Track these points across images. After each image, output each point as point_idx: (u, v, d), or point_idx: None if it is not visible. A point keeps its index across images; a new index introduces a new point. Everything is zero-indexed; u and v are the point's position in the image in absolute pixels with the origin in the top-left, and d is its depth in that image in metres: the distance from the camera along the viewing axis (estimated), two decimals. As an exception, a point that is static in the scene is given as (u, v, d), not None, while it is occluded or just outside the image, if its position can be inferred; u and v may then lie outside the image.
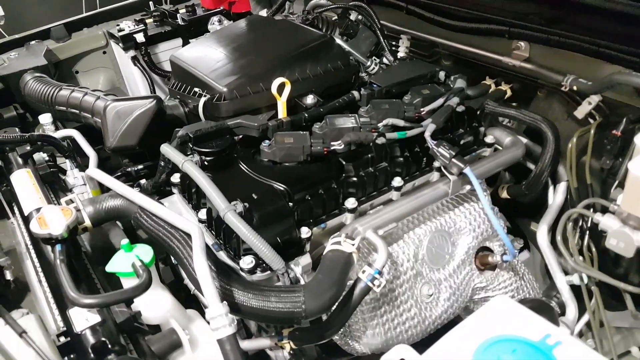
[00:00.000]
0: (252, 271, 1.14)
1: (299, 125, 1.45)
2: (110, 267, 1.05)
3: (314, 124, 1.44)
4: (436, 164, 1.49)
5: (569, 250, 1.37)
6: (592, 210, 1.32)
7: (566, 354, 0.69)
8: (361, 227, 1.27)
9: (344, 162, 1.36)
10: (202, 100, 1.49)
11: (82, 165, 1.67)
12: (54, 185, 1.59)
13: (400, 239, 1.41)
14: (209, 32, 2.17)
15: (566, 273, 1.53)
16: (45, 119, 1.74)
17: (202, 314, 1.25)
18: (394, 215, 1.35)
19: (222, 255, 1.21)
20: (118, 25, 2.29)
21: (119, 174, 1.69)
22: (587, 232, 1.39)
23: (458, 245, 1.52)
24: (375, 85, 1.62)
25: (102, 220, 1.29)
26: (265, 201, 1.20)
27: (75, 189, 1.63)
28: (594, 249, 1.40)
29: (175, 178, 1.42)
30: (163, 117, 1.49)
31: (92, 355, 0.89)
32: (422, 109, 1.52)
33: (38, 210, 1.29)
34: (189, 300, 1.39)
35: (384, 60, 1.87)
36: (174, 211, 1.19)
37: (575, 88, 1.42)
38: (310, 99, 1.54)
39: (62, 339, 0.96)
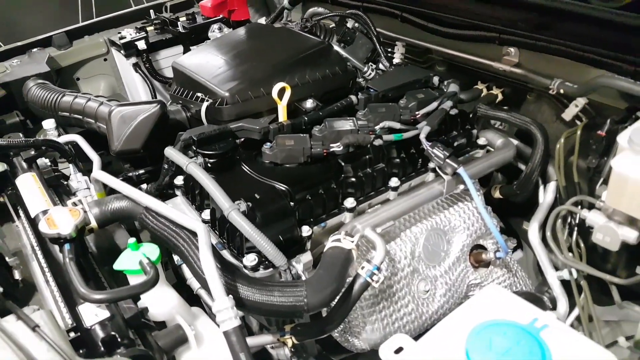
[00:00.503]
0: (255, 268, 1.19)
1: (299, 128, 1.50)
2: (118, 265, 1.09)
3: (313, 127, 1.49)
4: (431, 164, 1.54)
5: (558, 245, 1.42)
6: (579, 207, 1.37)
7: (552, 336, 0.74)
8: (360, 225, 1.32)
9: (342, 163, 1.41)
10: (205, 104, 1.54)
11: (84, 170, 1.71)
12: (58, 189, 1.63)
13: (398, 237, 1.46)
14: (210, 39, 2.22)
15: (557, 269, 1.59)
16: (49, 124, 1.78)
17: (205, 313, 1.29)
18: (392, 213, 1.40)
19: (226, 254, 1.25)
20: (119, 32, 2.34)
21: (120, 179, 1.73)
22: (576, 228, 1.44)
23: (453, 243, 1.57)
24: (372, 90, 1.67)
25: (108, 222, 1.33)
26: (268, 201, 1.25)
27: (78, 193, 1.67)
28: (582, 245, 1.46)
29: (179, 180, 1.47)
30: (166, 122, 1.54)
31: (102, 348, 0.92)
32: (417, 112, 1.58)
33: (45, 212, 1.33)
34: (192, 300, 1.43)
35: (380, 66, 1.92)
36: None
37: (562, 91, 1.48)
38: (309, 103, 1.60)
39: (72, 335, 1.00)
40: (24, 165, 1.59)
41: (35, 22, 4.90)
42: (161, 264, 1.18)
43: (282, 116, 1.53)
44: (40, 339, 0.85)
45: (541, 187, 1.69)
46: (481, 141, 1.70)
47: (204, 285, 1.10)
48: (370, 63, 1.91)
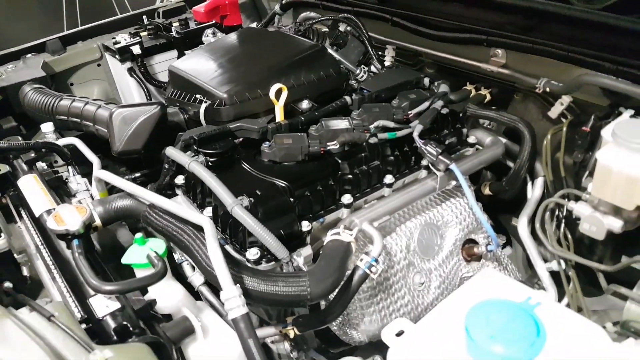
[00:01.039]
0: (257, 262, 1.23)
1: (296, 128, 1.54)
2: (125, 260, 1.12)
3: (310, 126, 1.54)
4: (424, 162, 1.60)
5: (547, 237, 1.48)
6: (566, 199, 1.43)
7: (546, 312, 0.79)
8: (358, 219, 1.37)
9: (339, 161, 1.46)
10: (204, 106, 1.58)
11: (82, 173, 1.74)
12: (58, 191, 1.65)
13: (393, 232, 1.51)
14: (204, 43, 2.26)
15: (545, 261, 1.65)
16: (47, 127, 1.80)
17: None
18: (387, 209, 1.45)
19: (229, 249, 1.29)
20: (114, 38, 2.37)
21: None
22: (563, 220, 1.50)
23: (446, 237, 1.62)
24: (365, 91, 1.73)
25: (112, 220, 1.36)
26: (269, 196, 1.29)
27: (78, 194, 1.69)
28: (569, 237, 1.52)
29: (179, 180, 1.50)
30: (165, 123, 1.57)
31: (115, 337, 0.96)
32: (409, 112, 1.63)
33: (49, 212, 1.36)
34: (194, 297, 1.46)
35: (372, 68, 1.98)
36: (181, 209, 1.27)
37: (548, 89, 1.54)
38: (305, 104, 1.64)
39: (84, 326, 1.03)
40: (24, 167, 1.61)
41: (20, 31, 4.90)
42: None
43: (279, 116, 1.57)
44: (56, 328, 0.88)
45: (529, 183, 1.76)
46: (471, 139, 1.76)
47: (211, 278, 1.14)
48: (362, 65, 1.97)
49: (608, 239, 1.34)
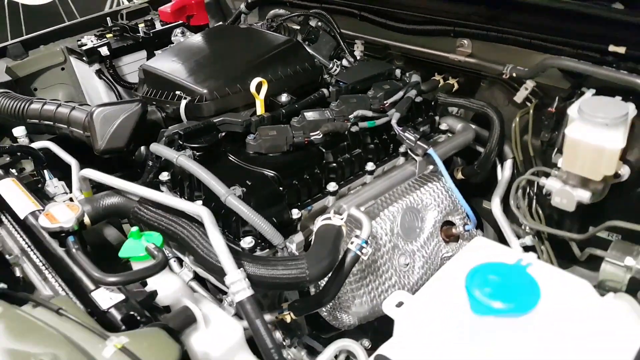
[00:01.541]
0: (252, 250, 1.25)
1: (277, 121, 1.58)
2: (123, 253, 1.13)
3: (291, 118, 1.58)
4: (401, 149, 1.66)
5: (521, 212, 1.57)
6: (537, 177, 1.53)
7: (537, 270, 0.86)
8: (345, 204, 1.42)
9: (323, 150, 1.50)
10: (184, 102, 1.59)
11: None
12: (37, 194, 1.62)
13: (377, 217, 1.56)
14: (173, 43, 2.25)
15: (518, 238, 1.74)
16: (19, 131, 1.76)
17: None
18: (372, 194, 1.51)
19: (222, 240, 1.31)
20: (79, 40, 2.32)
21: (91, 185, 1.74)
22: (535, 197, 1.60)
23: (426, 220, 1.69)
24: (341, 83, 1.78)
25: (100, 218, 1.36)
26: (259, 186, 1.32)
27: (56, 198, 1.67)
28: (540, 212, 1.62)
29: (164, 176, 1.50)
30: (145, 121, 1.57)
31: (123, 327, 0.96)
32: (385, 102, 1.70)
33: (34, 213, 1.34)
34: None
35: (344, 62, 2.03)
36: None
37: (514, 75, 1.64)
38: (284, 97, 1.68)
39: (89, 319, 1.02)
40: (0, 172, 1.58)
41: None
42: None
43: (260, 110, 1.60)
44: (65, 321, 0.88)
45: (499, 166, 1.86)
46: (443, 127, 1.84)
47: (209, 266, 1.16)
48: (334, 59, 2.03)
49: (575, 212, 1.44)
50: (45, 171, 1.70)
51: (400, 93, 1.73)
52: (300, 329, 1.52)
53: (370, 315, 1.56)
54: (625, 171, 1.38)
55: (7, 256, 1.19)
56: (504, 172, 1.83)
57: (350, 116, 1.60)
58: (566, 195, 1.38)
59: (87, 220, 1.31)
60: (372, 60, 2.08)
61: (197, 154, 1.42)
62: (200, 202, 1.37)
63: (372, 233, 1.52)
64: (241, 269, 1.05)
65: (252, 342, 1.13)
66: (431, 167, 1.68)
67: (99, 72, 2.26)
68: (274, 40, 1.83)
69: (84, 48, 2.21)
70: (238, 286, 1.02)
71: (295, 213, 1.37)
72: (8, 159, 1.64)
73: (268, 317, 1.37)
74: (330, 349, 1.35)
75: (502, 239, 1.86)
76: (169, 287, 1.17)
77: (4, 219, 1.47)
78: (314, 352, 1.52)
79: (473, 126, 1.89)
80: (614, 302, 0.86)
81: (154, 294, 1.08)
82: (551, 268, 0.88)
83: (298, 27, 2.24)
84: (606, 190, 1.42)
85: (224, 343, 1.17)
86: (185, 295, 1.19)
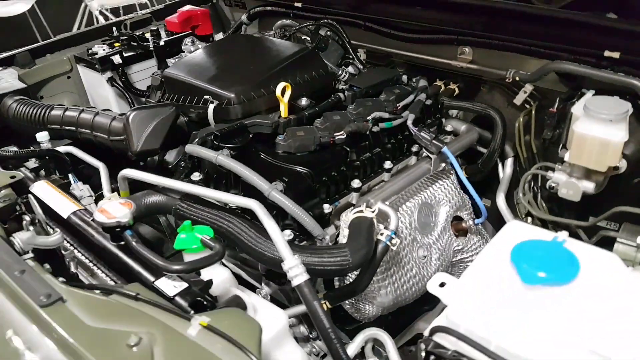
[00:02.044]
0: (292, 242, 1.34)
1: (301, 122, 1.67)
2: (178, 245, 1.19)
3: (313, 120, 1.67)
4: (414, 148, 1.78)
5: (529, 203, 1.70)
6: (541, 171, 1.66)
7: (572, 246, 0.98)
8: (373, 199, 1.52)
9: (348, 149, 1.60)
10: (212, 106, 1.66)
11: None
12: (66, 197, 1.66)
13: (397, 211, 1.66)
14: (183, 51, 2.33)
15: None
16: (42, 136, 1.80)
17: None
18: (394, 189, 1.61)
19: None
20: (90, 49, 2.37)
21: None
22: (539, 191, 1.74)
23: (439, 215, 1.81)
24: (355, 88, 1.89)
25: (142, 216, 1.41)
26: (296, 182, 1.41)
27: (82, 201, 1.71)
28: (544, 204, 1.76)
29: (195, 176, 1.57)
30: (176, 124, 1.64)
31: (192, 312, 1.03)
32: (397, 105, 1.81)
33: (75, 213, 1.39)
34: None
35: (350, 69, 2.14)
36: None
37: (517, 78, 1.78)
38: (304, 101, 1.77)
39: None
40: (30, 175, 1.61)
41: None
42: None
43: (285, 112, 1.69)
44: (143, 305, 0.94)
45: (499, 164, 2.00)
46: (448, 128, 1.96)
47: (259, 257, 1.23)
48: (343, 66, 2.13)
49: (574, 204, 1.58)
50: (70, 175, 1.75)
51: (411, 97, 1.85)
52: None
53: (393, 305, 1.65)
54: (623, 164, 1.52)
55: (63, 251, 1.23)
56: (505, 170, 1.97)
57: (368, 117, 1.71)
58: (572, 187, 1.52)
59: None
60: (380, 67, 2.20)
61: (233, 153, 1.49)
62: (236, 198, 1.45)
63: (396, 226, 1.63)
64: (296, 255, 1.13)
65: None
66: (443, 164, 1.80)
67: (111, 80, 2.30)
68: (292, 48, 1.92)
69: (97, 56, 2.25)
70: (295, 271, 1.10)
71: (327, 208, 1.47)
72: (36, 162, 1.67)
73: (303, 307, 1.45)
74: (359, 338, 1.44)
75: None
76: (219, 277, 1.23)
77: (40, 220, 1.51)
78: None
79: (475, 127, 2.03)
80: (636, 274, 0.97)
81: (209, 282, 1.15)
82: (582, 244, 0.99)
83: (304, 37, 2.34)
84: (606, 181, 1.56)
85: (272, 329, 1.24)
86: (234, 286, 1.26)
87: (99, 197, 1.72)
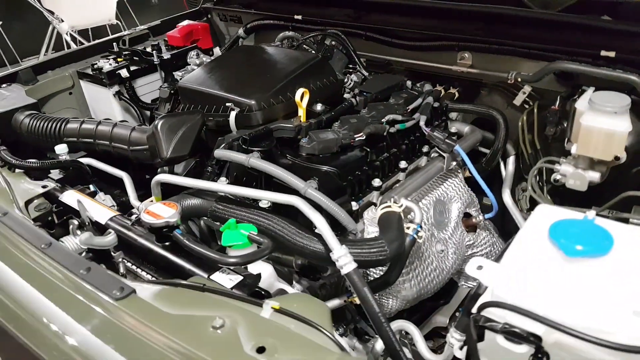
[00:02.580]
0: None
1: (320, 126, 1.74)
2: (226, 242, 1.23)
3: (331, 124, 1.75)
4: (424, 149, 1.87)
5: (541, 197, 1.80)
6: (548, 164, 1.77)
7: (603, 223, 1.07)
8: (396, 196, 1.59)
9: (368, 150, 1.68)
10: (233, 113, 1.72)
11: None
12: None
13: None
14: (189, 64, 2.38)
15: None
16: (61, 149, 1.81)
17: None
18: (413, 187, 1.69)
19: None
20: (94, 64, 2.39)
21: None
22: (545, 184, 1.84)
23: (451, 211, 1.89)
24: (365, 93, 1.97)
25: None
26: (326, 181, 1.47)
27: (107, 210, 1.73)
28: (549, 198, 1.87)
29: (222, 182, 1.62)
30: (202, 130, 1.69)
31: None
32: (407, 108, 1.90)
33: (112, 219, 1.41)
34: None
35: (353, 77, 2.23)
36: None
37: (519, 80, 1.89)
38: (319, 107, 1.84)
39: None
40: (56, 185, 1.63)
41: None
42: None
43: (304, 117, 1.76)
44: (211, 295, 0.99)
45: (501, 162, 2.10)
46: (453, 130, 2.06)
47: (301, 251, 1.29)
48: (347, 74, 2.22)
49: (575, 196, 1.69)
50: (91, 185, 1.77)
51: (419, 100, 1.94)
52: (358, 314, 1.65)
53: (416, 299, 1.72)
54: (623, 155, 1.64)
55: (112, 252, 1.26)
56: (508, 167, 2.08)
57: (383, 120, 1.79)
58: (579, 178, 1.62)
59: (167, 221, 1.40)
60: (384, 74, 2.29)
61: (261, 156, 1.55)
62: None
63: (415, 222, 1.71)
64: (343, 245, 1.19)
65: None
66: (454, 163, 1.89)
67: (118, 94, 2.33)
68: (304, 57, 2.00)
69: (104, 70, 2.28)
70: (344, 260, 1.16)
71: (354, 205, 1.53)
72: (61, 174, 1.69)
73: (337, 301, 1.51)
74: (388, 329, 1.50)
75: (505, 228, 2.10)
76: (264, 272, 1.28)
77: (87, 209, 1.51)
78: (363, 339, 1.66)
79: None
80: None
81: (259, 275, 1.20)
82: (609, 221, 1.09)
83: (307, 47, 2.42)
84: (607, 172, 1.68)
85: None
86: (277, 280, 1.31)
87: (122, 207, 1.75)
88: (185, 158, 1.61)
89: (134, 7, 6.45)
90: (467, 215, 1.98)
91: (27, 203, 1.49)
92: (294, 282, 1.60)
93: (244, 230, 1.26)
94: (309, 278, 1.50)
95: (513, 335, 0.91)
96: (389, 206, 1.48)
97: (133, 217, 1.53)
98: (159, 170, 1.75)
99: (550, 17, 1.75)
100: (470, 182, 2.11)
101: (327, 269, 1.51)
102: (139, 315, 0.89)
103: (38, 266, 1.13)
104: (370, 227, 1.62)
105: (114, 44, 2.62)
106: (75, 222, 1.31)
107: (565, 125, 1.78)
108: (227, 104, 1.73)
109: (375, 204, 1.67)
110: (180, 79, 2.25)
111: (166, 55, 2.40)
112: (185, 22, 2.73)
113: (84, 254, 1.23)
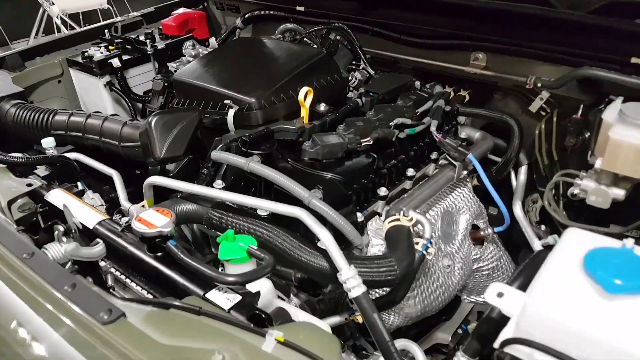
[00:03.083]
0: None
1: (324, 128, 1.62)
2: (223, 256, 1.11)
3: (335, 126, 1.62)
4: (432, 155, 1.75)
5: (557, 212, 1.70)
6: (568, 178, 1.66)
7: (640, 252, 0.96)
8: (404, 207, 1.47)
9: (374, 156, 1.56)
10: (232, 111, 1.59)
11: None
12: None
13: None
14: (184, 55, 2.24)
15: (540, 238, 1.87)
16: (48, 142, 1.68)
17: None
18: (422, 197, 1.57)
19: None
20: (85, 52, 2.25)
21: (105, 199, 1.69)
22: (561, 198, 1.74)
23: (459, 223, 1.78)
24: (371, 93, 1.85)
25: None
26: (331, 190, 1.35)
27: (94, 210, 1.61)
28: (564, 213, 1.76)
29: (218, 185, 1.49)
30: (198, 129, 1.56)
31: (252, 325, 0.95)
32: (416, 111, 1.79)
33: (101, 223, 1.29)
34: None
35: (357, 74, 2.11)
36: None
37: (539, 85, 1.78)
38: (322, 107, 1.72)
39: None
40: (42, 183, 1.50)
41: None
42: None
43: (306, 118, 1.64)
44: (208, 319, 0.87)
45: (512, 172, 1.99)
46: (462, 135, 1.95)
47: (303, 267, 1.17)
48: (352, 72, 2.10)
49: (594, 210, 1.58)
50: (79, 183, 1.64)
51: (430, 102, 1.82)
52: (358, 332, 1.54)
53: (419, 316, 1.62)
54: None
55: (100, 263, 1.13)
56: (519, 178, 1.97)
57: (390, 123, 1.67)
58: (602, 194, 1.52)
59: (156, 228, 1.27)
60: (391, 73, 2.17)
61: (262, 160, 1.43)
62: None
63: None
64: (351, 265, 1.07)
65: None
66: (465, 172, 1.78)
67: (109, 84, 2.19)
68: (307, 52, 1.87)
69: (95, 59, 2.14)
70: (353, 282, 1.04)
71: (359, 216, 1.42)
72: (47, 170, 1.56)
73: (338, 318, 1.40)
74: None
75: (512, 241, 2.00)
76: (262, 288, 1.16)
77: (61, 228, 1.39)
78: (362, 355, 1.55)
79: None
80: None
81: (258, 294, 1.08)
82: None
83: (309, 41, 2.29)
84: (631, 189, 1.57)
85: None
86: (276, 297, 1.19)
87: (112, 204, 1.63)
88: (179, 158, 1.49)
89: (127, -8, 6.30)
90: (474, 227, 1.87)
91: (10, 203, 1.36)
92: (291, 296, 1.48)
93: (242, 243, 1.14)
94: (308, 293, 1.39)
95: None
96: (398, 219, 1.37)
97: (123, 220, 1.41)
98: (150, 168, 1.63)
99: (578, 18, 1.63)
100: (476, 190, 2.01)
101: (328, 284, 1.40)
102: (128, 344, 0.77)
103: (19, 279, 1.01)
104: (374, 239, 1.50)
105: (106, 30, 2.47)
106: (61, 228, 1.19)
107: (587, 136, 1.67)
108: (226, 101, 1.60)
109: (380, 214, 1.55)
110: (175, 71, 2.12)
111: (160, 44, 2.26)
112: (181, 10, 2.59)
113: (69, 264, 1.10)
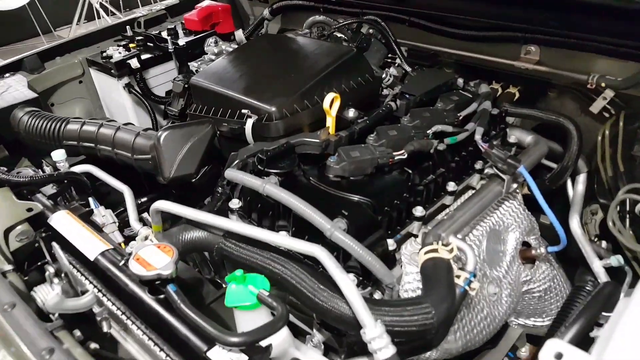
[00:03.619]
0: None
1: (352, 139, 1.44)
2: (230, 303, 0.97)
3: (366, 136, 1.44)
4: (477, 165, 1.54)
5: (620, 232, 1.47)
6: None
7: None
8: (444, 233, 1.29)
9: (409, 172, 1.37)
10: (250, 121, 1.44)
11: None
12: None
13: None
14: (207, 53, 2.10)
15: (601, 258, 1.64)
16: (59, 155, 1.58)
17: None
18: (466, 218, 1.37)
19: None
20: (104, 52, 2.14)
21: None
22: (628, 216, 1.50)
23: (507, 243, 1.57)
24: (407, 95, 1.65)
25: (181, 256, 1.19)
26: (357, 216, 1.18)
27: (105, 228, 1.50)
28: (631, 232, 1.52)
29: (234, 204, 1.35)
30: (214, 143, 1.42)
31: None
32: (459, 115, 1.58)
33: (104, 254, 1.17)
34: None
35: (392, 70, 1.90)
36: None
37: (603, 84, 1.54)
38: (351, 113, 1.54)
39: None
40: (48, 203, 1.40)
41: None
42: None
43: (332, 128, 1.47)
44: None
45: (568, 181, 1.76)
46: (512, 139, 1.72)
47: (323, 312, 1.02)
48: (386, 69, 1.90)
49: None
50: (90, 199, 1.53)
51: (474, 105, 1.61)
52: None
53: (460, 352, 1.43)
54: None
55: (95, 309, 1.02)
56: (577, 187, 1.74)
57: (428, 132, 1.48)
58: (680, 216, 1.28)
59: (163, 260, 1.15)
60: (430, 69, 1.96)
61: (280, 180, 1.27)
62: (284, 233, 1.22)
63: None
64: (378, 321, 0.91)
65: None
66: (514, 185, 1.56)
67: (128, 86, 2.08)
68: (335, 51, 1.69)
69: (112, 60, 2.03)
70: (380, 343, 0.88)
71: (391, 244, 1.24)
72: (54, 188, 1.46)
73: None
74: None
75: (567, 254, 1.76)
76: (277, 338, 1.02)
77: (62, 255, 1.29)
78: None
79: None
80: None
81: (269, 348, 0.94)
82: None
83: (340, 35, 2.10)
84: None
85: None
86: (292, 346, 1.04)
87: (123, 223, 1.52)
88: (192, 177, 1.35)
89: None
90: (525, 245, 1.66)
91: (8, 231, 1.27)
92: (314, 330, 1.33)
93: (253, 285, 0.99)
94: (332, 332, 1.23)
95: None
96: (435, 249, 1.19)
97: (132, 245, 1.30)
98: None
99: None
100: (526, 199, 1.79)
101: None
102: None
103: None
104: (409, 266, 1.32)
105: (127, 27, 2.36)
106: (51, 269, 1.07)
107: (661, 145, 1.43)
108: (243, 111, 1.45)
109: (415, 236, 1.37)
110: (197, 71, 1.98)
111: (182, 41, 2.12)
112: (205, 3, 2.43)
113: (56, 315, 0.99)
